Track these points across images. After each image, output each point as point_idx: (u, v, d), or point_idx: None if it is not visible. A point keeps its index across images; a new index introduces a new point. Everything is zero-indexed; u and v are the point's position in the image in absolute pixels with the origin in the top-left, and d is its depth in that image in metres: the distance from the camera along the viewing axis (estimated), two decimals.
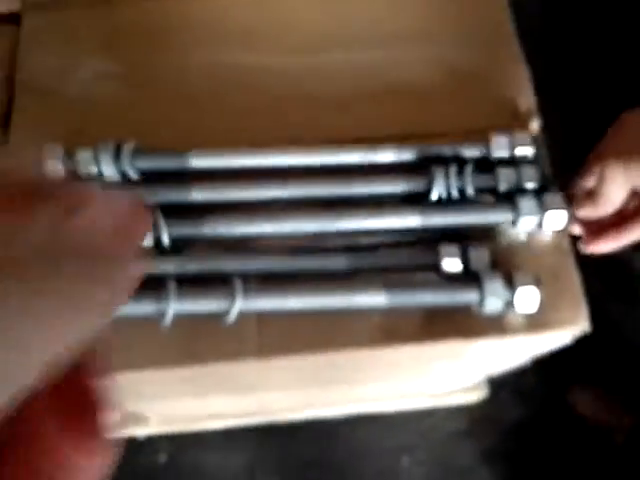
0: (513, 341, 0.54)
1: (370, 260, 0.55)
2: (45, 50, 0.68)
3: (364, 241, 0.57)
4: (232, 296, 0.51)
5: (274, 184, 0.57)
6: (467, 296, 0.52)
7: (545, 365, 0.74)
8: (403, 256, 0.55)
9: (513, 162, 0.57)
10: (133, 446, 1.25)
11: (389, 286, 0.52)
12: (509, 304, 0.51)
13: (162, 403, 0.94)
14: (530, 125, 0.61)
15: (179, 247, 0.55)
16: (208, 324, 0.53)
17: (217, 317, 0.52)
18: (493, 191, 0.56)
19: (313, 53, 0.66)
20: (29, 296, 0.20)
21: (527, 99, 0.63)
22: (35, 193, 0.22)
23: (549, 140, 0.61)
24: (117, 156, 0.57)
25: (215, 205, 0.56)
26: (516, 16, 0.68)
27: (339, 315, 0.54)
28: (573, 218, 0.55)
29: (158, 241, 0.54)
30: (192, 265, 0.54)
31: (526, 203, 0.54)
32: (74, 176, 0.57)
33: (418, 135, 0.60)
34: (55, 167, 0.57)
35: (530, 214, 0.54)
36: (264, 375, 0.65)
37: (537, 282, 0.51)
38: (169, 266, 0.54)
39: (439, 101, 0.63)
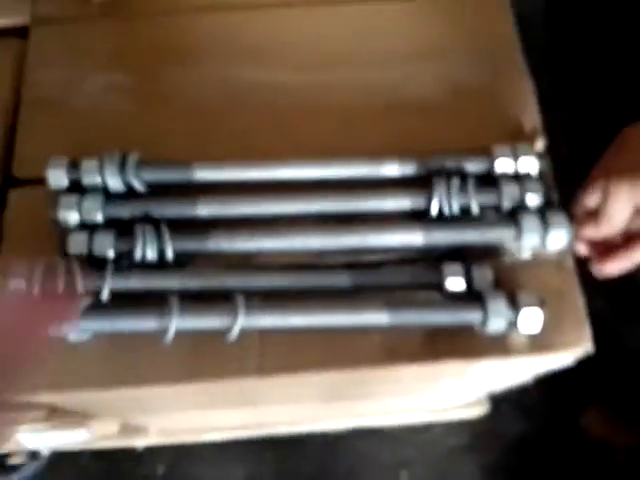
0: (516, 361, 0.54)
1: (373, 278, 0.55)
2: (52, 63, 0.68)
3: (367, 258, 0.56)
4: (234, 313, 0.51)
5: (279, 199, 0.57)
6: (470, 316, 0.51)
7: (548, 380, 0.73)
8: (406, 274, 0.55)
9: (517, 178, 0.57)
10: (132, 457, 1.24)
11: (391, 305, 0.52)
12: (512, 324, 0.51)
13: (162, 416, 0.94)
14: (535, 142, 0.60)
15: (182, 261, 0.55)
16: (210, 341, 0.53)
17: (219, 334, 0.52)
18: (496, 207, 0.56)
19: (320, 70, 0.67)
20: None
21: (532, 116, 0.63)
22: None
23: (554, 157, 0.61)
24: (122, 167, 0.57)
25: (219, 220, 0.56)
26: (521, 32, 0.68)
27: (341, 333, 0.53)
28: (577, 238, 0.54)
29: (162, 255, 0.54)
30: (195, 281, 0.54)
31: (529, 222, 0.53)
32: (78, 187, 0.57)
33: (422, 151, 0.59)
34: (59, 178, 0.56)
35: (533, 233, 0.53)
36: (265, 391, 0.65)
37: (541, 303, 0.51)
38: (172, 282, 0.54)
39: (444, 118, 0.63)
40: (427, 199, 0.56)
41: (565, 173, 0.61)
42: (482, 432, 1.28)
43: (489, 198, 0.56)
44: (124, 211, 0.56)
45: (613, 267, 0.52)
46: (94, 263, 0.53)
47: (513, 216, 0.54)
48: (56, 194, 0.56)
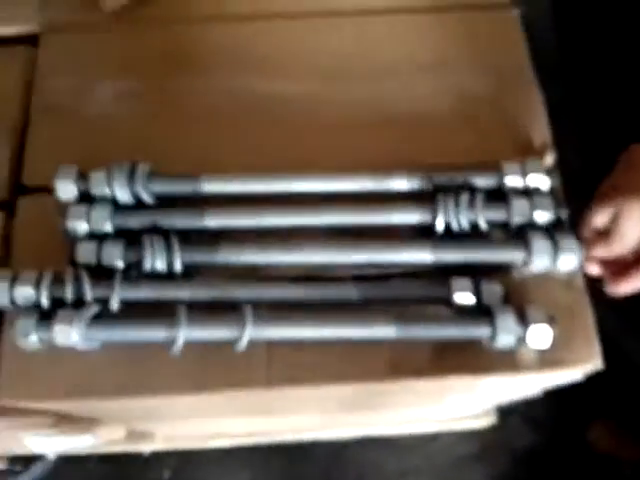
0: (524, 377, 0.54)
1: (381, 291, 0.55)
2: (62, 71, 0.68)
3: (375, 271, 0.56)
4: (243, 324, 0.51)
5: (286, 212, 0.56)
6: (479, 331, 0.51)
7: (555, 393, 0.73)
8: (414, 288, 0.55)
9: (526, 193, 0.56)
10: (138, 462, 1.24)
11: (400, 318, 0.52)
12: (521, 340, 0.51)
13: (168, 423, 0.94)
14: (544, 157, 0.60)
15: (190, 272, 0.55)
16: (218, 352, 0.53)
17: (227, 345, 0.52)
18: (505, 224, 0.56)
19: (330, 81, 0.67)
20: None
21: (542, 131, 0.63)
22: None
23: (564, 169, 0.60)
24: (131, 179, 0.57)
25: (227, 231, 0.56)
26: (532, 44, 0.68)
27: (348, 346, 0.53)
28: (588, 259, 0.53)
29: (170, 266, 0.54)
30: (203, 292, 0.54)
31: (539, 244, 0.53)
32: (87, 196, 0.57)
33: (431, 165, 0.59)
34: (67, 189, 0.57)
35: (543, 256, 0.53)
36: (271, 401, 0.65)
37: (550, 319, 0.50)
38: (180, 292, 0.54)
39: (453, 131, 0.63)
40: (435, 214, 0.56)
41: (576, 185, 0.60)
42: (490, 443, 1.27)
43: (498, 214, 0.55)
44: (133, 221, 0.56)
45: (627, 287, 0.51)
46: (103, 273, 0.53)
47: (522, 235, 0.54)
48: (65, 203, 0.56)
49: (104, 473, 1.28)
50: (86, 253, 0.54)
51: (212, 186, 0.58)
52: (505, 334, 0.50)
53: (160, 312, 0.52)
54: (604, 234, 0.52)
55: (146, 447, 1.18)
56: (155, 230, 0.55)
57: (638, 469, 1.14)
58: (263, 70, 0.68)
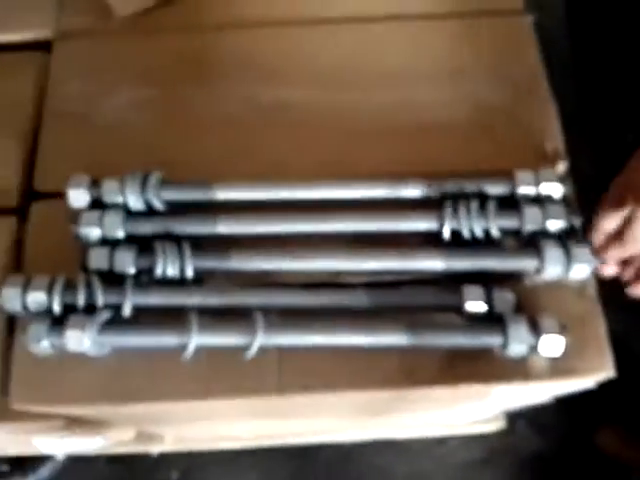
0: (536, 385, 0.54)
1: (392, 298, 0.55)
2: (75, 77, 0.69)
3: (386, 278, 0.56)
4: (253, 330, 0.51)
5: (298, 219, 0.56)
6: (490, 339, 0.51)
7: (564, 399, 0.73)
8: (426, 295, 0.55)
9: (538, 200, 0.56)
10: (146, 463, 1.25)
11: (411, 326, 0.51)
12: (533, 348, 0.50)
13: (177, 426, 0.94)
14: (557, 166, 0.60)
15: (201, 279, 0.56)
16: (228, 358, 0.53)
17: (238, 351, 0.52)
18: (517, 231, 0.55)
19: (342, 89, 0.67)
20: None
21: (555, 139, 0.62)
22: None
23: (577, 176, 0.60)
24: (143, 187, 0.57)
25: (239, 238, 0.56)
26: (546, 52, 0.68)
27: (359, 353, 0.53)
28: (603, 261, 0.53)
29: (182, 272, 0.54)
30: (214, 298, 0.54)
31: (552, 253, 0.53)
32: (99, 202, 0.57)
33: (443, 172, 0.59)
34: (79, 198, 0.57)
35: (556, 265, 0.52)
36: (281, 407, 0.65)
37: (562, 328, 0.50)
38: (191, 299, 0.54)
39: (466, 139, 0.63)
40: (447, 222, 0.55)
41: (589, 194, 0.60)
42: (498, 447, 1.27)
43: (510, 222, 0.55)
44: (145, 228, 0.56)
45: None
46: (114, 279, 0.54)
47: (535, 243, 0.54)
48: (77, 210, 0.57)
49: (113, 474, 1.28)
50: (98, 259, 0.54)
51: (225, 193, 0.58)
52: (517, 343, 0.50)
53: (171, 318, 0.52)
54: (617, 235, 0.52)
55: (155, 448, 1.18)
56: (167, 236, 0.56)
57: None
58: (278, 77, 0.68)
